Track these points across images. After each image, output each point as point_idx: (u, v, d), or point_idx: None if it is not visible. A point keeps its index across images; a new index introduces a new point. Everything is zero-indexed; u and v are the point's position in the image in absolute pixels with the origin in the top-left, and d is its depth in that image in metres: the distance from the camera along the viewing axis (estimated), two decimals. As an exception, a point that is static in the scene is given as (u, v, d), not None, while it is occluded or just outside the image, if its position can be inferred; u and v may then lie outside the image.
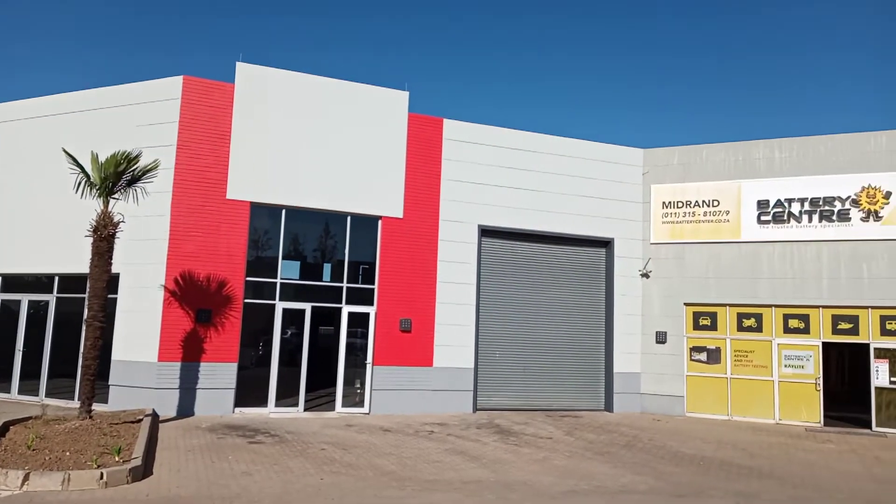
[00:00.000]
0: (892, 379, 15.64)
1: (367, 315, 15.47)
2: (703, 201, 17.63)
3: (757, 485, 10.02)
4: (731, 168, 17.51)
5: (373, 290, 15.59)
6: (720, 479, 10.33)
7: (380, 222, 15.77)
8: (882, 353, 15.80)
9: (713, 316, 17.37)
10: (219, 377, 14.03)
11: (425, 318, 15.88)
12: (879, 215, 16.02)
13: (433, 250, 16.15)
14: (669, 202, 17.95)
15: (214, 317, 14.11)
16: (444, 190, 16.41)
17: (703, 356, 17.33)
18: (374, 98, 15.92)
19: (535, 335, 17.24)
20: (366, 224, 15.74)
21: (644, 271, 17.90)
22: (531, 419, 15.42)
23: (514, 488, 9.11)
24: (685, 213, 17.79)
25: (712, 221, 17.48)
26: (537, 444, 12.56)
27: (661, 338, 17.58)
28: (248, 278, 14.59)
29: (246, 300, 14.51)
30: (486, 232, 16.85)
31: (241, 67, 14.95)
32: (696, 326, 17.51)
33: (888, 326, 15.82)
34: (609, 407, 17.35)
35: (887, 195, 15.98)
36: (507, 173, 16.97)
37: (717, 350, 17.21)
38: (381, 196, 15.75)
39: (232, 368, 14.15)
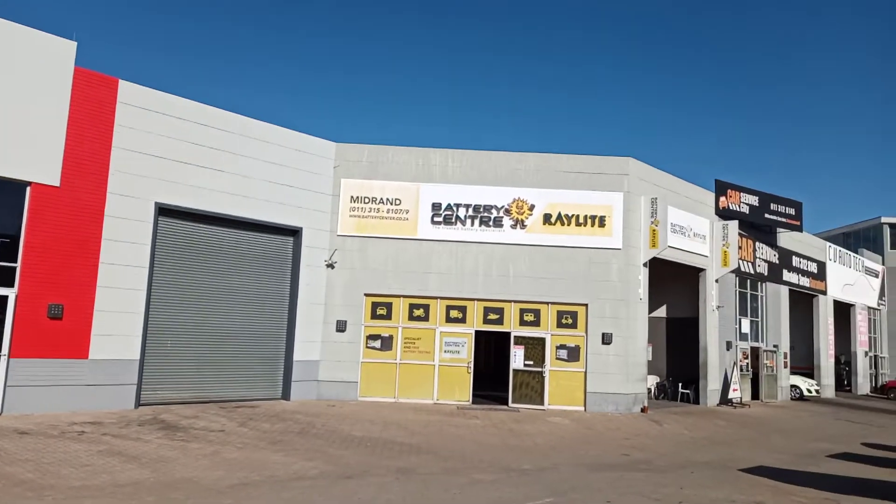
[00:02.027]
0: (527, 362, 18.68)
1: (3, 298, 12.98)
2: (387, 199, 18.80)
3: (415, 460, 11.05)
4: (413, 171, 19.01)
5: (14, 268, 13.15)
6: (384, 457, 11.14)
7: (28, 189, 13.37)
8: (519, 341, 18.76)
9: (389, 306, 18.66)
10: None
11: (82, 304, 13.95)
12: (525, 224, 18.97)
13: (97, 227, 14.27)
14: (357, 197, 18.74)
15: None
16: (116, 160, 14.62)
17: (378, 343, 18.51)
18: (31, 43, 13.42)
19: (215, 323, 16.43)
20: (9, 189, 13.19)
21: (330, 262, 18.38)
22: (203, 412, 14.66)
23: (178, 487, 8.56)
24: (371, 208, 18.76)
25: (394, 219, 18.76)
26: (208, 437, 11.99)
27: (341, 326, 18.26)
28: None
29: None
30: (164, 211, 15.48)
31: None
32: (374, 315, 18.61)
33: (525, 318, 18.85)
34: (287, 395, 17.40)
35: (532, 207, 19.00)
36: (193, 150, 15.84)
37: (391, 338, 18.55)
38: (33, 159, 13.36)
39: None
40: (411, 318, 18.68)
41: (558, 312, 18.86)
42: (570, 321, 18.82)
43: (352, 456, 11.12)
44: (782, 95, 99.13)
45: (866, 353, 35.07)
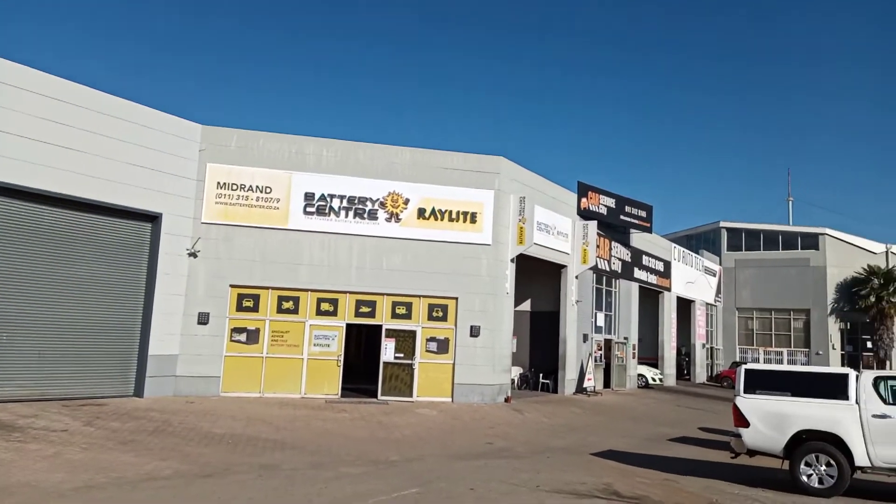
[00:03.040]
0: (397, 355, 18.79)
1: None
2: (257, 186, 18.13)
3: (280, 456, 10.79)
4: (285, 159, 18.45)
5: None
6: (247, 454, 10.78)
7: None
8: (391, 333, 18.83)
9: (256, 298, 18.02)
10: None
11: None
12: (399, 218, 19.04)
13: (-84, 204, 12.60)
14: (224, 183, 17.90)
15: None
16: (-58, 130, 12.97)
17: (243, 337, 17.83)
18: None
19: (59, 314, 15.02)
20: None
21: (192, 250, 17.42)
22: (43, 410, 13.39)
23: (14, 492, 7.78)
24: (239, 195, 18.00)
25: (263, 207, 18.12)
26: (49, 438, 10.99)
27: (203, 319, 17.38)
28: None
29: None
30: (0, 190, 13.93)
31: None
32: (240, 308, 17.90)
33: (397, 311, 18.94)
34: (140, 392, 16.29)
35: (406, 201, 19.11)
36: (37, 124, 14.35)
37: (257, 331, 17.93)
38: None
39: None
40: (280, 310, 18.17)
41: (429, 305, 19.13)
42: (440, 314, 19.16)
43: (212, 454, 10.65)
44: (641, 106, 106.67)
45: (704, 346, 38.73)
